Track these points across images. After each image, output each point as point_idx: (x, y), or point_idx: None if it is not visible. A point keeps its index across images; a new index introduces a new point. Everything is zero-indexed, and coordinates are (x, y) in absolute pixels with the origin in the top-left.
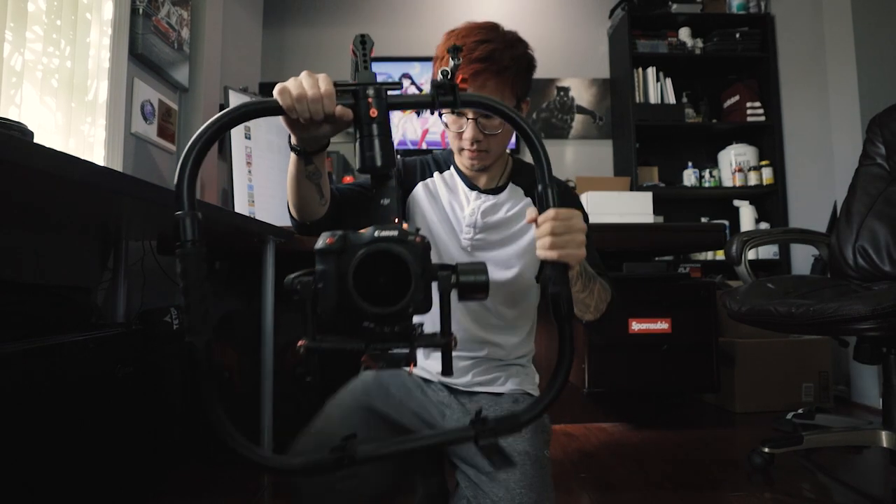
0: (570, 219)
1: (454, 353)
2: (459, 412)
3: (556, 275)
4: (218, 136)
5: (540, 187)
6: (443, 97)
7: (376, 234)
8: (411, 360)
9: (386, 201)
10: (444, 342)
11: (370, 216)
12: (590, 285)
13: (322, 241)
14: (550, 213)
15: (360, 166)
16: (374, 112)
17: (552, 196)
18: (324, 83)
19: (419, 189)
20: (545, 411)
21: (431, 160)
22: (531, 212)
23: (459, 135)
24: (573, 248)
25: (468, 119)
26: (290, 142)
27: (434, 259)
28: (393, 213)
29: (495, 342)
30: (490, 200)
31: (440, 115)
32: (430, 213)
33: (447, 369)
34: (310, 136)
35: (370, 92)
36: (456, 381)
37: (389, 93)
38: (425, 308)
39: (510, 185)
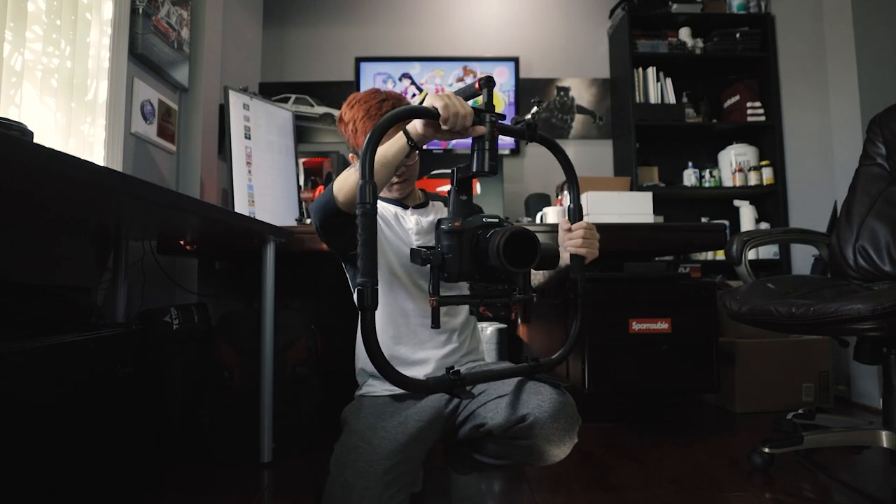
0: (593, 228)
1: (443, 362)
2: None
3: (577, 265)
4: (391, 126)
5: (572, 205)
6: (529, 132)
7: (484, 219)
8: (511, 312)
9: (464, 197)
10: (527, 297)
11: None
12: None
13: (448, 224)
14: (583, 223)
15: (477, 169)
16: (496, 132)
17: (580, 212)
18: (468, 107)
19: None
20: (569, 354)
21: None
22: (564, 222)
23: None
24: (592, 248)
25: None
26: (407, 135)
27: (393, 266)
28: (468, 206)
29: (454, 341)
30: (424, 212)
31: None
32: (386, 231)
33: (527, 317)
34: (434, 138)
35: (492, 118)
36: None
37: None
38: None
39: (430, 202)
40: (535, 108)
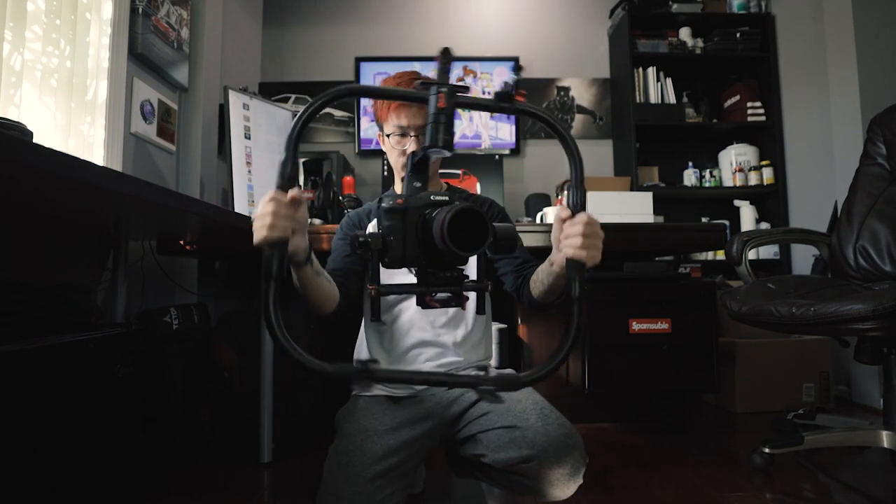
0: (597, 225)
1: (436, 367)
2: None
3: (574, 268)
4: (303, 127)
5: (573, 189)
6: (503, 103)
7: (432, 197)
8: (463, 300)
9: (417, 184)
10: (481, 286)
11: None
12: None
13: (390, 201)
14: (584, 216)
15: (428, 144)
16: (441, 104)
17: (582, 199)
18: (267, 207)
19: (370, 229)
20: (546, 377)
21: (374, 206)
22: (563, 209)
23: (403, 152)
24: (595, 251)
25: (411, 136)
26: (293, 263)
27: (395, 272)
28: (425, 187)
29: (447, 346)
30: None
31: (387, 136)
32: None
33: (481, 309)
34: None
35: (444, 89)
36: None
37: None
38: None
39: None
40: (512, 76)
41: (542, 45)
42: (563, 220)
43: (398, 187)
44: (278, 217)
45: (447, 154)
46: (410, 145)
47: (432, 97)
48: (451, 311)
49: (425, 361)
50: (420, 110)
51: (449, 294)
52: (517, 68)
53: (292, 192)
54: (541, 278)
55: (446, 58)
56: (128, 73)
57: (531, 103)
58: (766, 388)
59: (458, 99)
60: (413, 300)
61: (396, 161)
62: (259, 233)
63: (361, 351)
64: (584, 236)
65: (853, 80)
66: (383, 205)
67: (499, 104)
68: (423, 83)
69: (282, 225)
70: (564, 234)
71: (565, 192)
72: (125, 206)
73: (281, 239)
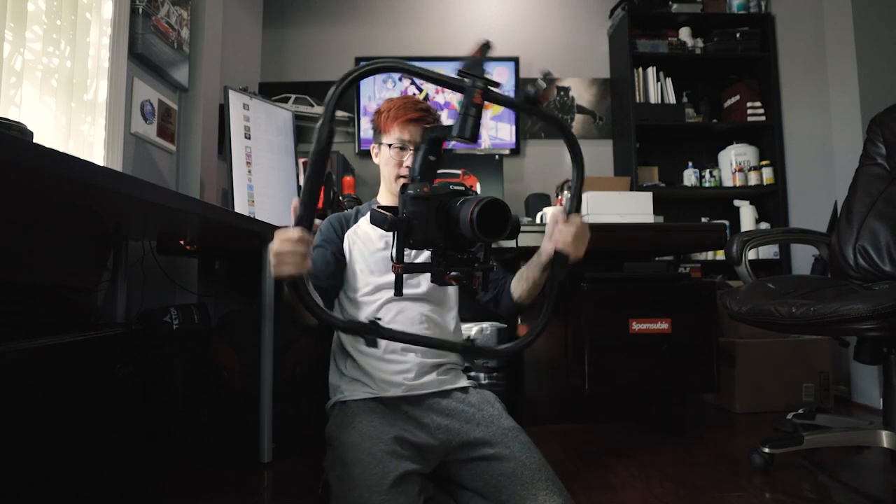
0: (587, 229)
1: (422, 359)
2: (437, 418)
3: (559, 260)
4: (350, 87)
5: (573, 194)
6: (527, 105)
7: (451, 187)
8: (475, 279)
9: (433, 158)
10: (487, 266)
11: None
12: (544, 273)
13: (417, 188)
14: (579, 219)
15: (456, 133)
16: (478, 99)
17: (579, 204)
18: (284, 242)
19: (350, 235)
20: (527, 347)
21: (354, 213)
22: (559, 212)
23: (399, 163)
24: (580, 248)
25: (410, 150)
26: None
27: (379, 283)
28: (437, 167)
29: (440, 355)
30: None
31: (388, 145)
32: (364, 250)
33: (485, 286)
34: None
35: (479, 84)
36: (423, 381)
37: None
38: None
39: None
40: (540, 79)
41: (542, 45)
42: (558, 221)
43: (383, 197)
44: (284, 255)
45: (472, 144)
46: (408, 159)
47: (469, 90)
48: (428, 315)
49: (416, 356)
50: (422, 129)
51: (460, 273)
52: (549, 75)
53: (300, 233)
54: (526, 274)
55: (485, 52)
56: (128, 73)
57: (539, 72)
58: (765, 388)
59: (490, 94)
60: (391, 305)
61: (391, 171)
62: (274, 269)
63: (337, 354)
64: (575, 235)
65: (853, 80)
66: (409, 192)
67: (524, 105)
68: (460, 73)
69: (291, 262)
70: (559, 230)
71: (565, 193)
72: (125, 206)
73: (293, 276)
